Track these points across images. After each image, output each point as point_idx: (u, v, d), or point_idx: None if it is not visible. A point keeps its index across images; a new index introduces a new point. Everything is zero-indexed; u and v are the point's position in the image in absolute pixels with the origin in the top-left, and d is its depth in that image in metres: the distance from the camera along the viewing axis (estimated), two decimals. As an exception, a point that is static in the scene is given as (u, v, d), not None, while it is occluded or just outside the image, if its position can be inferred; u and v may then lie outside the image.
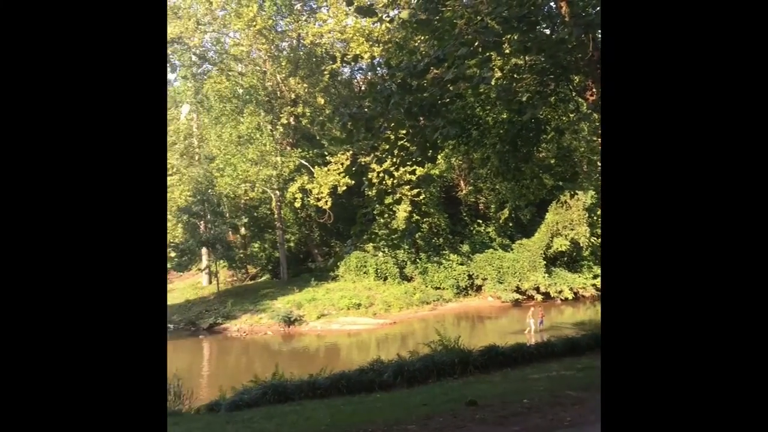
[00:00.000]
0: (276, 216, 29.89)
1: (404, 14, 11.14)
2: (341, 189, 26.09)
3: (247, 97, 28.85)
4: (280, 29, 29.41)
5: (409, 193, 23.09)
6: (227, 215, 30.13)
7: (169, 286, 33.73)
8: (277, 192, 28.90)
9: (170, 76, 35.78)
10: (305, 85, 28.51)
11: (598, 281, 27.56)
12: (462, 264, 29.39)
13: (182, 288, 32.05)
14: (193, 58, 30.69)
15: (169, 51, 29.98)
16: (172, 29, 27.84)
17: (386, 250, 28.86)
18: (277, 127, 28.37)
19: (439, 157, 19.41)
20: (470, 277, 29.34)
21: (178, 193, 30.24)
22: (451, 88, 7.04)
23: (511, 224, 31.33)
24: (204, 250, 29.87)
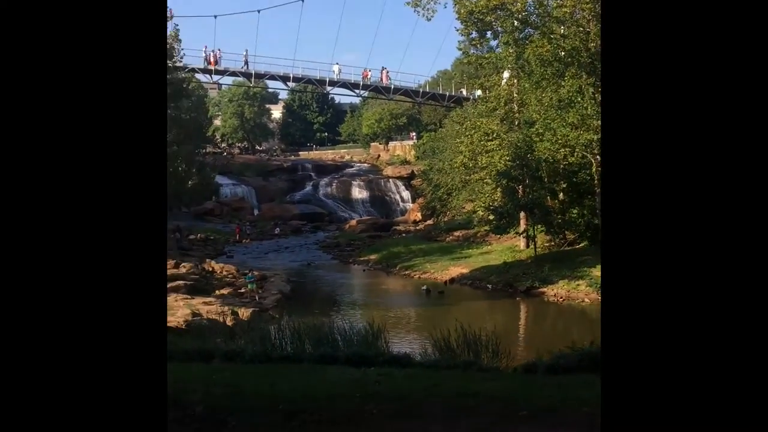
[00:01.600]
0: (595, 182, 29.01)
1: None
2: (668, 153, 24.27)
3: (569, 59, 28.19)
4: (605, -14, 28.05)
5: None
6: (545, 180, 30.05)
7: (488, 248, 34.98)
8: (598, 157, 27.98)
9: (492, 42, 36.58)
10: (631, 43, 26.90)
11: None
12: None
13: (500, 250, 32.97)
14: (515, 23, 30.85)
15: (491, 18, 30.58)
16: (496, -4, 28.29)
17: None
18: (600, 89, 27.35)
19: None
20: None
21: (498, 157, 30.98)
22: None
23: None
24: (522, 214, 30.28)
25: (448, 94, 59.73)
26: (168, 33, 31.83)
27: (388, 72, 56.48)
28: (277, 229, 50.58)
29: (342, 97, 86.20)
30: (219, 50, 50.77)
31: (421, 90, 59.78)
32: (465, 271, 30.04)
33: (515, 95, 32.99)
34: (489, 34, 34.59)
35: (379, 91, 57.37)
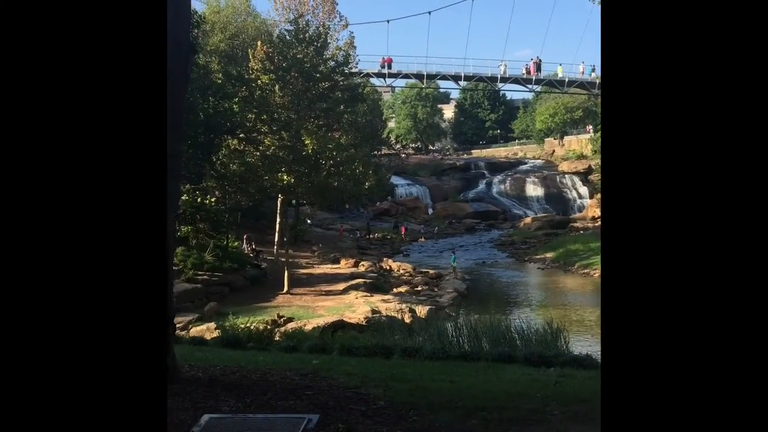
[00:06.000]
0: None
1: None
2: None
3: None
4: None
5: None
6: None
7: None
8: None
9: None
10: None
11: None
12: None
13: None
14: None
15: None
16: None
17: None
18: None
19: None
20: None
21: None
22: None
23: None
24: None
25: (627, 83, 56.65)
26: (344, 41, 33.18)
27: (538, 62, 54.20)
28: (436, 229, 50.67)
29: (514, 93, 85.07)
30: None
31: (597, 81, 57.38)
32: (650, 269, 28.40)
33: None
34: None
35: (552, 84, 55.81)
